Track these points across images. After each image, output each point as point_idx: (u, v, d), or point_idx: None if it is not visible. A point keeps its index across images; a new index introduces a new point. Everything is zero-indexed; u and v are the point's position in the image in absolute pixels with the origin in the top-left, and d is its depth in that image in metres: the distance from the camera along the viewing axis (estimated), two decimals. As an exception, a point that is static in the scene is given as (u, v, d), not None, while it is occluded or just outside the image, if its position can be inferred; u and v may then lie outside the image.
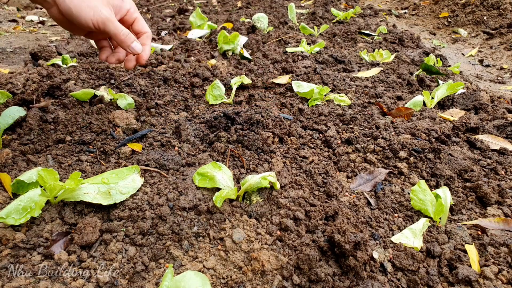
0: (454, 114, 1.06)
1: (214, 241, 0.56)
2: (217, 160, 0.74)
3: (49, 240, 0.54)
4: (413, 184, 0.74)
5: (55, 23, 2.43)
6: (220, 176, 0.64)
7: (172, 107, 1.00)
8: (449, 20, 2.60)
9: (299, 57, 1.45)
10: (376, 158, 0.82)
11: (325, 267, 0.53)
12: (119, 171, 0.65)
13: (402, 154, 0.81)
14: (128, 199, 0.61)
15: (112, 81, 1.12)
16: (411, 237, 0.60)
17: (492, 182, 0.73)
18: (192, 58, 1.41)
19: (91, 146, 0.78)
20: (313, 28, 1.90)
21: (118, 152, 0.76)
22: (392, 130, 0.93)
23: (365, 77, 1.30)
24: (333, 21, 2.16)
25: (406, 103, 1.12)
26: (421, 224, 0.62)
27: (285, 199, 0.64)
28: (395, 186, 0.73)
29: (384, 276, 0.54)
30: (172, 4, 2.83)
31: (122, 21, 0.71)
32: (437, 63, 1.52)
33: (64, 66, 1.24)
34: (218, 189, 0.64)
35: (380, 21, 2.34)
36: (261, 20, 1.85)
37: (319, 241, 0.57)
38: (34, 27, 2.26)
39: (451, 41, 2.34)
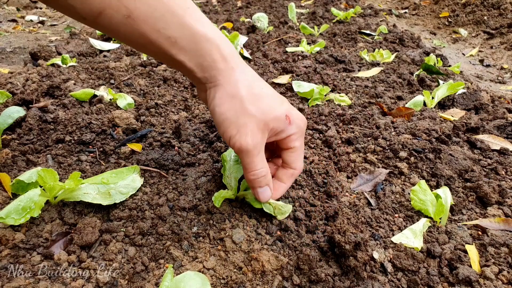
0: (455, 114, 1.06)
1: (214, 241, 0.56)
2: (217, 161, 0.74)
3: (49, 240, 0.54)
4: (413, 184, 0.73)
5: (55, 23, 2.43)
6: (228, 173, 0.64)
7: (172, 107, 1.00)
8: (450, 20, 2.59)
9: (299, 57, 1.45)
10: (376, 158, 0.82)
11: (325, 267, 0.53)
12: (119, 171, 0.64)
13: (403, 154, 0.81)
14: (128, 199, 0.61)
15: (112, 81, 1.12)
16: (412, 237, 0.60)
17: (493, 182, 0.73)
18: (192, 58, 1.41)
19: (90, 146, 0.78)
20: (313, 27, 1.90)
21: (118, 152, 0.76)
22: (392, 130, 0.93)
23: (366, 77, 1.30)
24: (334, 20, 2.16)
25: (406, 103, 1.11)
26: (422, 224, 0.61)
27: (285, 199, 0.64)
28: (395, 186, 0.73)
29: (384, 277, 0.54)
30: (172, 4, 2.83)
31: (276, 142, 0.57)
32: (437, 63, 1.52)
33: (64, 66, 1.24)
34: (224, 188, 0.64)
35: (381, 21, 2.33)
36: (261, 19, 1.85)
37: (319, 241, 0.57)
38: (33, 27, 2.26)
39: (452, 41, 2.34)
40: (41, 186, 0.56)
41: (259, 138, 0.50)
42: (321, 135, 0.89)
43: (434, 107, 1.13)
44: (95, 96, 0.99)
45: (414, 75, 1.34)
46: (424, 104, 1.13)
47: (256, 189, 0.54)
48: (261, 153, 0.51)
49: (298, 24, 2.03)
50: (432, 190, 0.66)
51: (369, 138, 0.88)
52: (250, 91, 0.50)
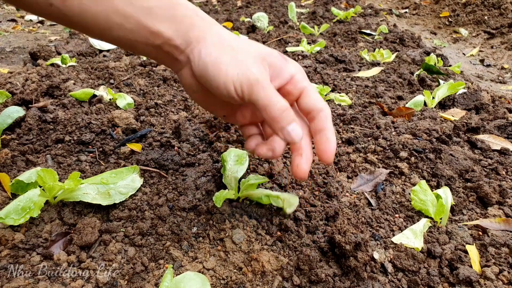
0: (455, 114, 1.06)
1: (214, 241, 0.56)
2: (217, 161, 0.74)
3: (48, 240, 0.54)
4: (414, 184, 0.73)
5: (55, 23, 2.42)
6: (228, 173, 0.64)
7: (171, 106, 1.00)
8: (450, 19, 2.59)
9: (300, 57, 1.45)
10: (376, 158, 0.81)
11: (325, 268, 0.53)
12: (119, 171, 0.64)
13: (403, 154, 0.80)
14: (128, 200, 0.61)
15: (112, 81, 1.12)
16: (412, 237, 0.60)
17: (493, 182, 0.73)
18: (192, 57, 1.41)
19: (90, 146, 0.78)
20: (314, 27, 1.90)
21: (118, 152, 0.76)
22: (393, 130, 0.93)
23: (366, 77, 1.30)
24: (334, 20, 2.15)
25: (407, 103, 1.11)
26: (422, 224, 0.61)
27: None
28: (395, 187, 0.73)
29: (385, 277, 0.54)
30: (172, 4, 2.83)
31: (280, 91, 0.49)
32: (438, 62, 1.52)
33: (64, 65, 1.24)
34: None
35: (381, 20, 2.33)
36: (261, 19, 1.84)
37: (319, 241, 0.57)
38: (33, 27, 2.26)
39: (452, 40, 2.33)
40: (40, 186, 0.56)
41: (262, 69, 0.46)
42: (321, 135, 0.89)
43: (435, 107, 1.13)
44: (94, 96, 0.99)
45: (415, 75, 1.34)
46: (425, 104, 1.12)
47: (284, 130, 0.46)
48: (272, 85, 0.46)
49: (298, 23, 2.03)
50: (432, 190, 0.66)
51: (369, 138, 0.88)
52: (236, 38, 0.48)
